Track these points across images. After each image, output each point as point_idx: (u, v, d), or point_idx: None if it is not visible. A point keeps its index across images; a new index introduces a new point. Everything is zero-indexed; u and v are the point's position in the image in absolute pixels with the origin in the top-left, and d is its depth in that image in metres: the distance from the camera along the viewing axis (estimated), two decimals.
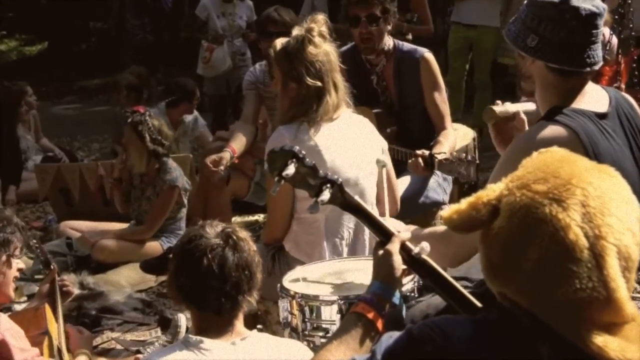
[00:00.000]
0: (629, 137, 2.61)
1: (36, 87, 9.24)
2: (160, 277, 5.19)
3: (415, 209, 4.25)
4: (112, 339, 4.43)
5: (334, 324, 2.62)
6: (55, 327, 3.27)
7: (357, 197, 2.37)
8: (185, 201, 5.57)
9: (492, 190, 1.73)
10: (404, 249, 2.20)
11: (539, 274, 1.61)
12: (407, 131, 4.47)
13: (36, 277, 5.09)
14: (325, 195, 2.30)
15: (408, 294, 2.64)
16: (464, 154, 3.69)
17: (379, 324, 2.10)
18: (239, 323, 2.42)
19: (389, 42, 4.51)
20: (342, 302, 2.64)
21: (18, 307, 4.24)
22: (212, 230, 2.41)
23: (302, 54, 3.42)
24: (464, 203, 1.75)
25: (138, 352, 4.11)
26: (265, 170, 2.71)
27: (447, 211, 1.78)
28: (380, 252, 2.21)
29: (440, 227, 2.88)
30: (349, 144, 3.48)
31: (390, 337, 1.76)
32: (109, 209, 6.02)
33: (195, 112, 7.32)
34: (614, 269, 1.60)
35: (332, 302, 2.66)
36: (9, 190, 7.11)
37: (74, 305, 4.51)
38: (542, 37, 2.55)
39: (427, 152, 3.75)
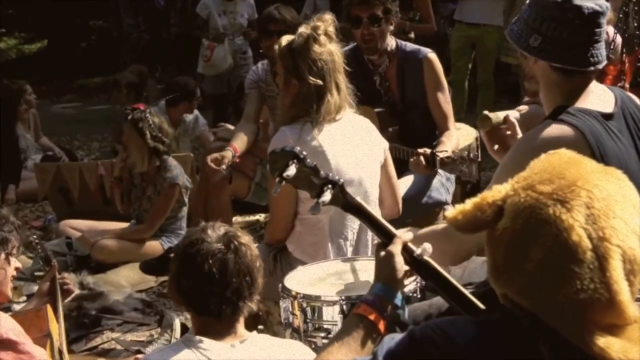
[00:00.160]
0: (635, 138, 2.60)
1: (36, 85, 9.25)
2: (161, 277, 5.18)
3: (418, 208, 4.25)
4: (112, 339, 4.42)
5: (336, 324, 2.62)
6: (56, 328, 3.25)
7: (360, 198, 2.36)
8: (186, 200, 5.56)
9: (498, 191, 1.73)
10: (405, 250, 2.20)
11: (541, 275, 1.61)
12: (409, 131, 4.47)
13: (36, 274, 5.08)
14: (327, 196, 2.29)
15: (410, 294, 2.63)
16: (466, 152, 3.68)
17: (381, 326, 2.10)
18: (240, 325, 2.41)
19: (391, 42, 4.50)
20: (344, 302, 2.64)
21: (17, 307, 4.23)
22: (214, 233, 2.39)
23: (306, 52, 3.42)
24: (469, 203, 1.75)
25: (138, 352, 4.10)
26: (266, 170, 2.70)
27: (451, 212, 1.78)
28: (382, 253, 2.21)
29: (441, 225, 2.87)
30: (352, 144, 3.48)
31: (392, 339, 1.76)
32: (109, 208, 6.02)
33: (196, 112, 7.32)
34: (617, 272, 1.59)
35: (334, 303, 2.65)
36: (8, 189, 7.12)
37: (73, 306, 4.50)
38: (545, 36, 2.54)
39: (428, 151, 3.74)
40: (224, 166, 4.77)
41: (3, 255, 3.08)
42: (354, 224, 3.46)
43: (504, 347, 1.64)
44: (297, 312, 2.70)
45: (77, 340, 4.39)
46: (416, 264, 2.20)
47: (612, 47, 5.30)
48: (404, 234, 2.24)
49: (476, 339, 1.67)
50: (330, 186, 2.31)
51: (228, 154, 4.82)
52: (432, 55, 4.48)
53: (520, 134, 2.92)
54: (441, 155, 3.66)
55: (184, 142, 7.18)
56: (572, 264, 1.58)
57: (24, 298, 4.79)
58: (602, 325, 1.60)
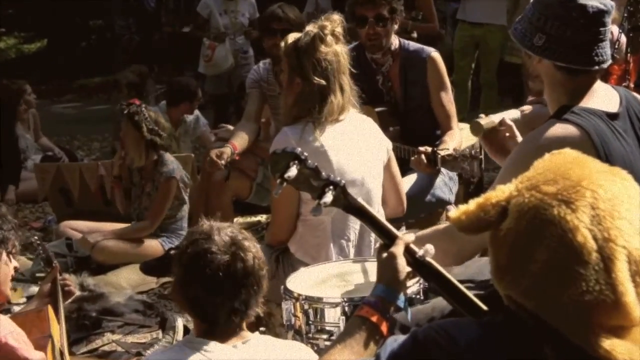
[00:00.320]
0: None
1: (35, 85, 9.24)
2: (162, 279, 5.17)
3: (421, 207, 4.25)
4: (112, 341, 4.41)
5: (338, 326, 2.62)
6: (57, 329, 3.24)
7: (362, 198, 2.35)
8: (186, 197, 5.55)
9: (502, 191, 1.72)
10: (408, 252, 2.19)
11: (546, 276, 1.60)
12: (411, 131, 4.46)
13: (37, 275, 5.07)
14: (328, 197, 2.28)
15: (413, 296, 2.63)
16: (467, 150, 3.68)
17: (384, 328, 2.09)
18: (243, 326, 2.40)
19: (394, 41, 4.50)
20: (346, 304, 2.63)
21: (17, 309, 4.21)
22: (220, 239, 2.36)
23: (312, 51, 3.40)
24: (473, 204, 1.74)
25: (139, 354, 4.10)
26: (268, 171, 2.69)
27: (455, 212, 1.77)
28: (384, 254, 2.20)
29: (443, 224, 2.86)
30: (355, 144, 3.47)
31: (395, 341, 1.76)
32: (109, 208, 6.02)
33: (197, 112, 7.31)
34: (622, 273, 1.59)
35: (336, 305, 2.65)
36: (8, 190, 7.11)
37: (74, 307, 4.49)
38: (549, 35, 2.53)
39: (429, 149, 3.73)
40: (222, 162, 4.75)
41: (4, 255, 3.07)
42: (356, 224, 3.45)
43: (508, 348, 1.64)
44: (299, 314, 2.69)
45: (77, 342, 4.38)
46: (418, 266, 2.19)
47: (616, 46, 5.29)
48: (406, 235, 2.23)
49: (479, 341, 1.66)
50: (331, 187, 2.29)
51: (227, 150, 4.80)
52: (436, 55, 4.47)
53: (518, 136, 2.92)
54: (442, 152, 3.65)
55: (185, 142, 7.17)
56: (577, 265, 1.58)
57: (24, 299, 4.78)
58: (608, 327, 1.59)
